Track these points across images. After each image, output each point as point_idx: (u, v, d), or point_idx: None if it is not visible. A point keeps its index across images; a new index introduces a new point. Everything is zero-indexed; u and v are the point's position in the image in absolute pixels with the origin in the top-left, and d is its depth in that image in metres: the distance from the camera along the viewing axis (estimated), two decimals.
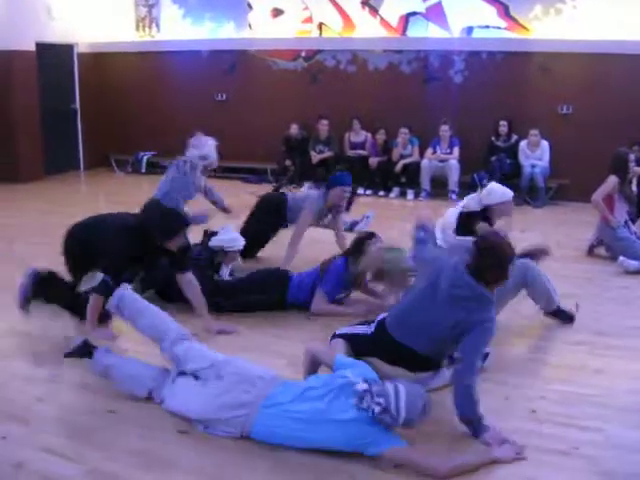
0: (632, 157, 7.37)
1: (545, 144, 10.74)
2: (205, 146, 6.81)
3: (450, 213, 6.04)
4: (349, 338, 4.25)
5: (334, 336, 4.32)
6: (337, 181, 6.70)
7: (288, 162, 11.72)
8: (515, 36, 11.21)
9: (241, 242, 6.00)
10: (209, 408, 3.54)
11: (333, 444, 3.37)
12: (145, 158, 13.22)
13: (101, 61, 13.36)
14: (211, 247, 5.85)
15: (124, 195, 11.18)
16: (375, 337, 4.17)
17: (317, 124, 11.81)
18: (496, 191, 5.82)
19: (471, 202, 5.89)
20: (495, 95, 11.13)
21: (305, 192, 7.14)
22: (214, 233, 6.02)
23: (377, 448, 3.29)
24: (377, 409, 3.26)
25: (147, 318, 4.06)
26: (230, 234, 5.97)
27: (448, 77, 11.53)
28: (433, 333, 3.88)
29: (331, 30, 12.30)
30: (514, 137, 11.01)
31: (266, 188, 10.19)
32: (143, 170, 13.14)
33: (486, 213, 5.77)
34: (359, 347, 4.19)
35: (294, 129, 12.00)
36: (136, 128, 13.37)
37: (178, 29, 13.26)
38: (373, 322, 4.28)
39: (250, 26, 12.77)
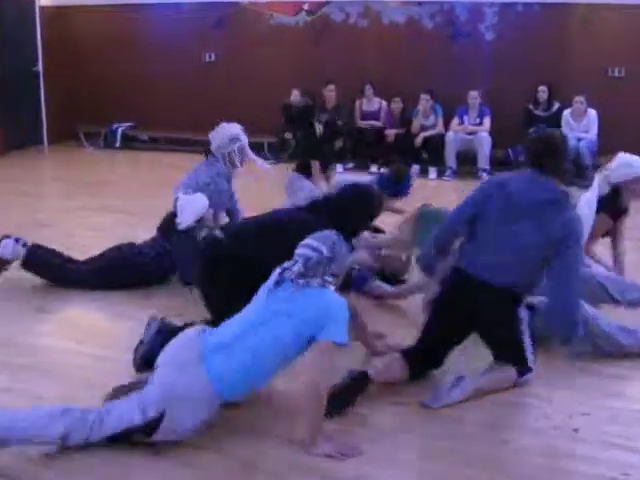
0: None
1: (592, 113, 10.69)
2: (231, 127, 6.43)
3: (584, 200, 5.68)
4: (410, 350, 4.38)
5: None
6: (398, 191, 6.40)
7: (288, 135, 11.68)
8: None
9: (205, 200, 5.88)
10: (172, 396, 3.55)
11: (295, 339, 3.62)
12: (120, 130, 13.26)
13: (67, 16, 13.31)
14: (184, 230, 5.78)
15: (95, 174, 11.23)
16: (451, 290, 4.36)
17: (323, 90, 11.76)
18: (623, 163, 5.64)
19: (600, 181, 5.70)
20: (533, 55, 11.09)
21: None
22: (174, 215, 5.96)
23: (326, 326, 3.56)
24: (297, 268, 3.64)
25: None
26: (188, 201, 5.81)
27: (478, 33, 11.52)
28: (526, 257, 4.16)
29: None
30: (556, 105, 11.00)
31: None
32: (118, 144, 13.20)
33: (617, 195, 5.65)
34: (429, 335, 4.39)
35: (295, 96, 11.94)
36: (109, 95, 13.31)
37: None
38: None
39: None
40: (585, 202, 5.62)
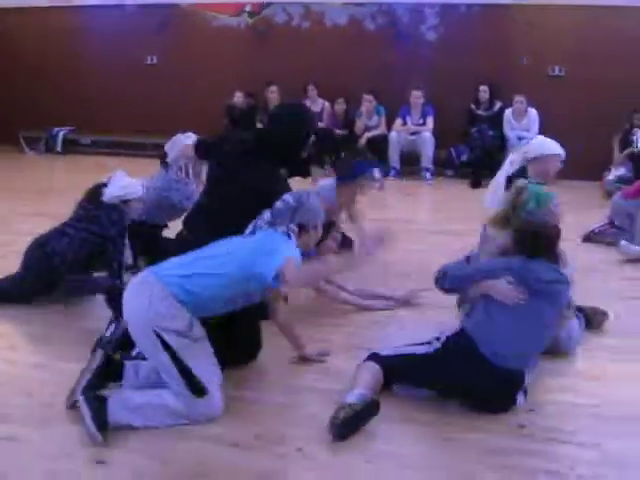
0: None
1: (533, 112, 10.89)
2: (186, 139, 6.19)
3: (500, 172, 5.87)
4: (394, 361, 4.19)
5: (370, 357, 4.23)
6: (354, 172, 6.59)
7: None
8: None
9: (139, 190, 5.80)
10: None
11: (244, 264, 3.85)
12: (62, 134, 13.22)
13: (5, 17, 13.18)
14: (106, 202, 5.64)
15: (37, 180, 11.14)
16: (447, 353, 4.15)
17: (266, 91, 11.84)
18: (540, 141, 5.81)
19: (516, 156, 5.83)
20: (474, 55, 11.22)
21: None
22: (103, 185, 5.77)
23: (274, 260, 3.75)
24: (267, 216, 4.08)
25: None
26: (124, 180, 5.76)
27: (419, 34, 11.68)
28: (540, 333, 4.26)
29: None
30: (497, 104, 11.22)
31: None
32: (59, 149, 13.16)
33: (523, 173, 5.60)
34: (410, 372, 4.19)
35: (238, 97, 12.02)
36: (50, 98, 13.17)
37: None
38: (430, 342, 4.25)
39: None
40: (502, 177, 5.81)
